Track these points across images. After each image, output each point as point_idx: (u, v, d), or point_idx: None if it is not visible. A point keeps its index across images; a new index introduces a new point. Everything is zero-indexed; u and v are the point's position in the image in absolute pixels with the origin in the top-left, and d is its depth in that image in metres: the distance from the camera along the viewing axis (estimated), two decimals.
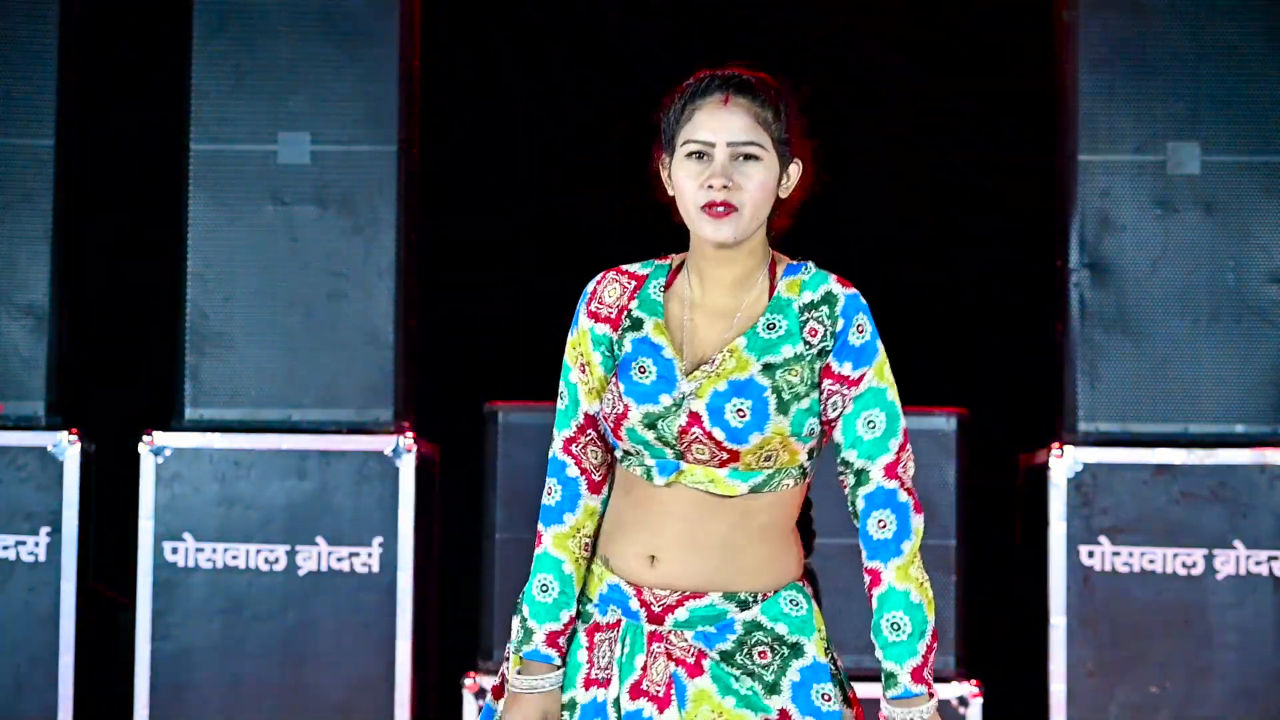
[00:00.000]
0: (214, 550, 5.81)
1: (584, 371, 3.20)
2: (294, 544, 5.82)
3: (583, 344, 3.21)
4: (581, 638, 3.18)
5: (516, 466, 5.88)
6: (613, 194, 6.85)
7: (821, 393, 3.17)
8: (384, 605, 5.80)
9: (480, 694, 5.72)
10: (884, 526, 3.12)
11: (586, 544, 3.18)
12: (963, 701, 5.79)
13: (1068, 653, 5.82)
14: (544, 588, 3.16)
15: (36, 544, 5.82)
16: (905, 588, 3.11)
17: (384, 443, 5.84)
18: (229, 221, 5.92)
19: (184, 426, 5.87)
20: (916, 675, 3.09)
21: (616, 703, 3.15)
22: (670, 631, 3.12)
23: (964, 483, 5.93)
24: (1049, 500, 5.84)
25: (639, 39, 6.86)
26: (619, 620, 3.15)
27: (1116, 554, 5.84)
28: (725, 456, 3.11)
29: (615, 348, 3.20)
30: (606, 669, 3.14)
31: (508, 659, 3.24)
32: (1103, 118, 5.94)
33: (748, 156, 3.15)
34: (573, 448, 3.18)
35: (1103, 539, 5.84)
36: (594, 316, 3.22)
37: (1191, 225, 5.93)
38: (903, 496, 3.12)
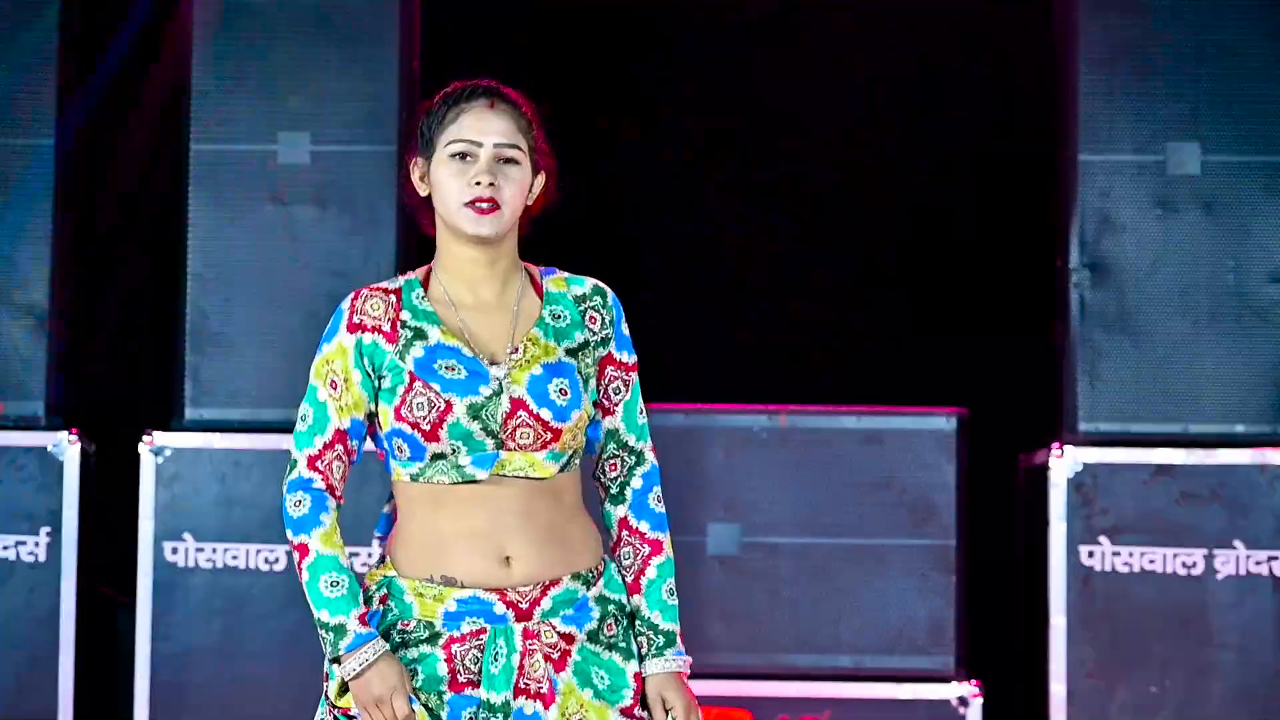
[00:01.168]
0: (214, 550, 5.81)
1: (335, 389, 3.25)
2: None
3: (340, 359, 3.25)
4: (438, 652, 3.20)
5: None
6: (612, 194, 6.86)
7: (604, 379, 3.34)
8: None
9: None
10: (660, 501, 3.34)
11: (342, 540, 3.25)
12: (963, 701, 5.79)
13: (1068, 653, 5.81)
14: (333, 584, 3.19)
15: (36, 544, 5.81)
16: (672, 558, 3.33)
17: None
18: (229, 221, 5.92)
19: (184, 427, 5.88)
20: (682, 638, 3.32)
21: (501, 706, 3.18)
22: (540, 623, 3.20)
23: (964, 483, 5.92)
24: (1049, 500, 5.84)
25: (638, 40, 6.88)
26: (481, 629, 3.19)
27: (1116, 554, 5.84)
28: (549, 437, 3.23)
29: (397, 359, 3.24)
30: (475, 672, 3.19)
31: (325, 694, 3.27)
32: (1103, 118, 5.94)
33: (508, 160, 3.27)
34: (318, 464, 3.25)
35: (1103, 539, 5.83)
36: (359, 328, 3.25)
37: (1191, 225, 5.93)
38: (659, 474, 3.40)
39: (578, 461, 3.31)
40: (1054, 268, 6.07)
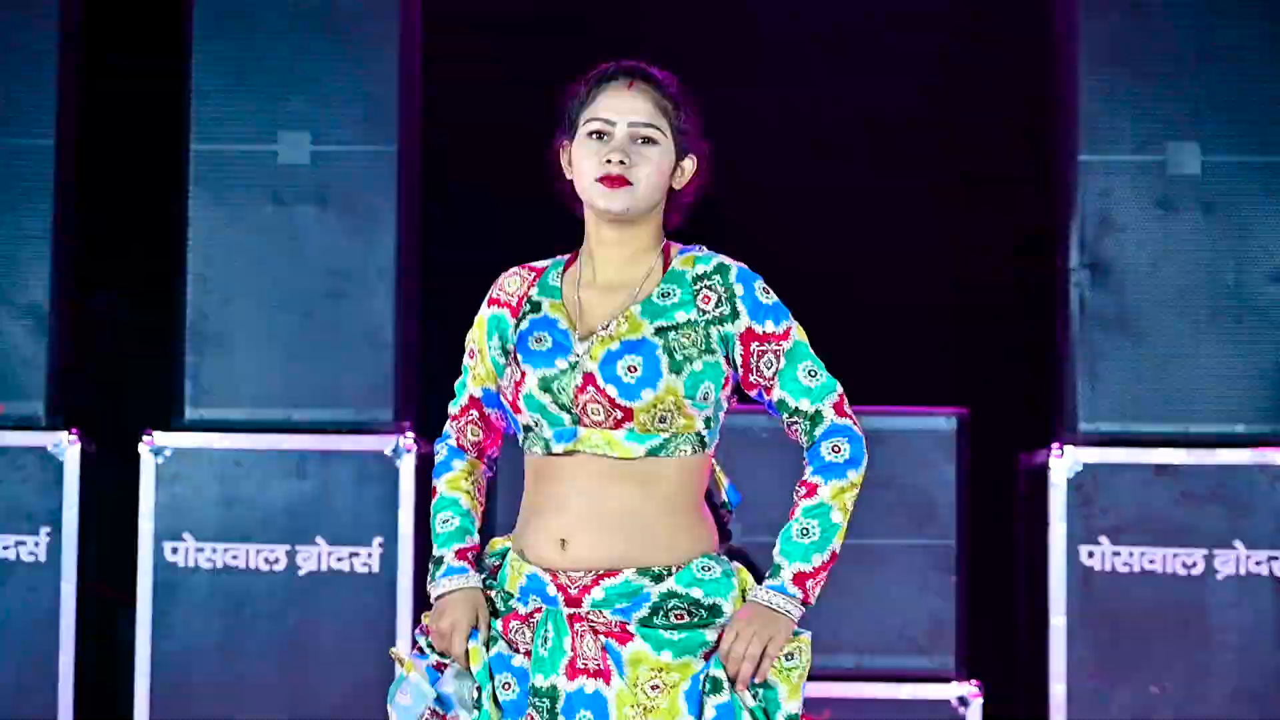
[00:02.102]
0: (214, 550, 5.81)
1: (472, 358, 3.33)
2: (294, 544, 5.82)
3: (478, 332, 3.34)
4: (498, 625, 3.23)
5: (517, 466, 5.89)
6: None
7: (750, 357, 3.27)
8: (384, 605, 5.81)
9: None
10: (838, 451, 3.24)
11: (480, 486, 3.36)
12: (963, 701, 5.79)
13: (1068, 653, 5.82)
14: (445, 521, 3.31)
15: (36, 544, 5.81)
16: (833, 505, 3.21)
17: (384, 443, 5.85)
18: (229, 221, 5.93)
19: (184, 426, 5.87)
20: (799, 579, 3.18)
21: (546, 690, 3.18)
22: (589, 611, 3.17)
23: (964, 483, 5.93)
24: (1049, 500, 5.85)
25: (642, 39, 6.89)
26: (539, 608, 3.19)
27: (1116, 554, 5.84)
28: (620, 415, 3.20)
29: (513, 332, 3.30)
30: (525, 645, 3.21)
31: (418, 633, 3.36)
32: (1103, 118, 5.95)
33: (646, 139, 3.26)
34: (454, 424, 3.36)
35: (1103, 539, 5.84)
36: (494, 303, 3.34)
37: (1192, 225, 5.93)
38: (857, 431, 3.26)
39: (690, 452, 3.25)
40: (1054, 268, 6.08)
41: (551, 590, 3.20)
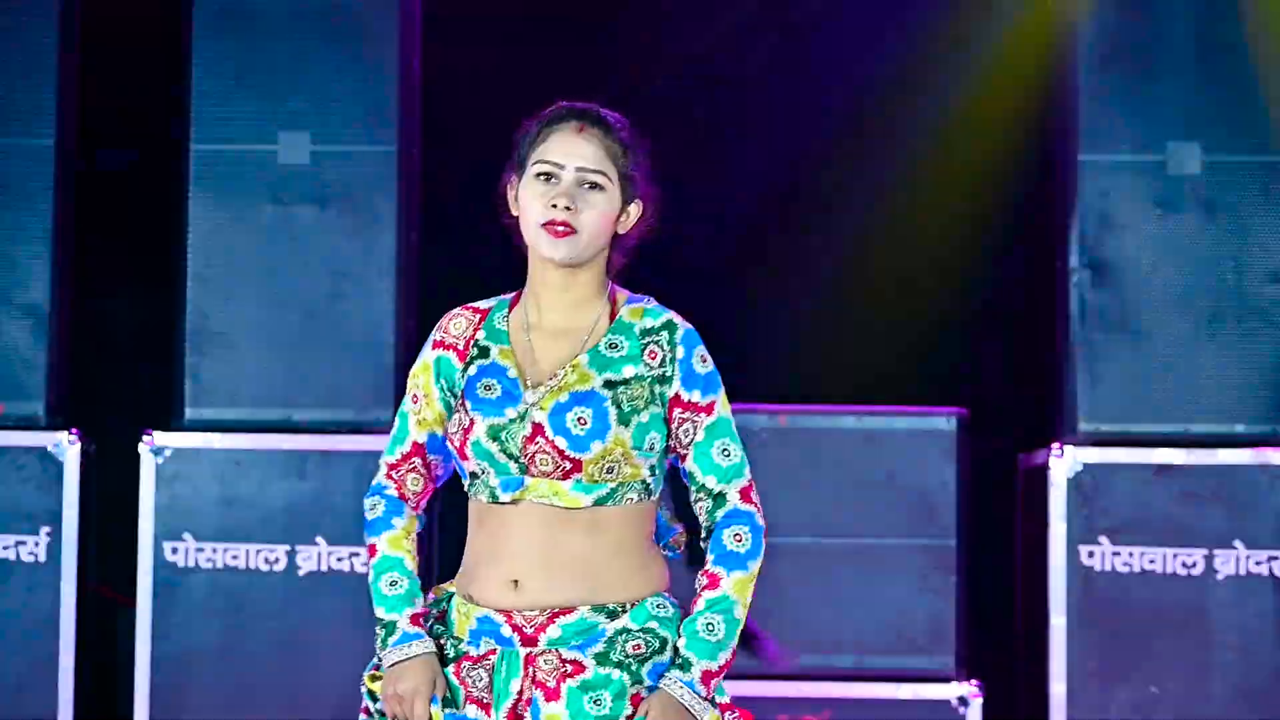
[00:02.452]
0: (214, 550, 5.81)
1: (416, 402, 3.33)
2: (294, 544, 5.82)
3: (423, 375, 3.32)
4: (451, 669, 3.24)
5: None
6: None
7: (671, 421, 3.29)
8: None
9: None
10: (739, 540, 3.27)
11: (416, 542, 3.31)
12: (963, 701, 5.78)
13: (1068, 653, 5.82)
14: (392, 583, 3.26)
15: (36, 544, 5.80)
16: (736, 601, 3.26)
17: (384, 442, 5.82)
18: (229, 221, 5.93)
19: (184, 426, 5.87)
20: (705, 678, 3.22)
21: None
22: (544, 651, 3.20)
23: (964, 483, 5.92)
24: (1049, 500, 5.85)
25: (642, 40, 6.89)
26: (493, 649, 3.22)
27: (1116, 554, 5.84)
28: (568, 467, 3.22)
29: (460, 377, 3.30)
30: (485, 692, 3.22)
31: (363, 698, 3.35)
32: (1103, 118, 5.96)
33: (593, 185, 3.26)
34: (394, 473, 3.33)
35: (1103, 539, 5.84)
36: (440, 345, 3.33)
37: (1192, 225, 5.95)
38: (759, 520, 3.29)
39: (636, 500, 3.28)
40: (1054, 268, 6.09)
41: (507, 631, 3.23)
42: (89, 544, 5.87)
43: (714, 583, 3.27)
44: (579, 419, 3.24)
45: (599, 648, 3.20)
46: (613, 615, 3.24)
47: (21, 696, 5.79)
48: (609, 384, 3.28)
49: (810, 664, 5.58)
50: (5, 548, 5.80)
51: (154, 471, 5.80)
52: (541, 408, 3.24)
